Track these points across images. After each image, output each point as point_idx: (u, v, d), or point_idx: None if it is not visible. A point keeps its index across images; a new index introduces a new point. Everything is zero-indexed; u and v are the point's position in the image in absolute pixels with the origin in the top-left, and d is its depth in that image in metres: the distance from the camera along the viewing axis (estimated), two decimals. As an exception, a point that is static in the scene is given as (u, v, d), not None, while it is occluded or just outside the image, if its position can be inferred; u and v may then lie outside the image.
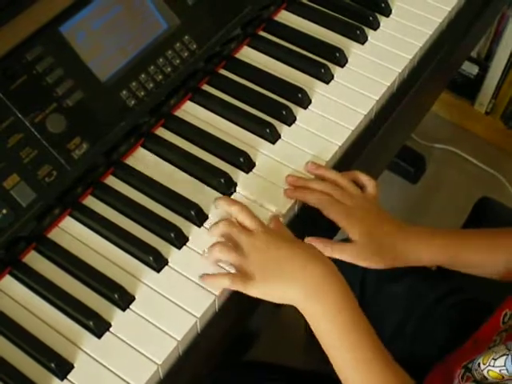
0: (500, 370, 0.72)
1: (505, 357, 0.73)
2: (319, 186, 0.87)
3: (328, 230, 0.88)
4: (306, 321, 0.78)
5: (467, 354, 0.81)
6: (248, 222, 0.80)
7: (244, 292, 0.76)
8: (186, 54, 0.94)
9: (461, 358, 0.82)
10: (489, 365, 0.74)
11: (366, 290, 1.09)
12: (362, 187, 0.89)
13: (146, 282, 0.79)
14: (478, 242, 0.91)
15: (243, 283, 0.76)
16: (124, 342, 0.75)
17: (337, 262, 1.12)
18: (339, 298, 0.76)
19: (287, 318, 1.17)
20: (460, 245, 0.90)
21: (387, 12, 1.09)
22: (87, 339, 0.75)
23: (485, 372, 0.74)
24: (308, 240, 0.84)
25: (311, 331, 0.77)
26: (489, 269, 0.91)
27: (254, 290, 0.76)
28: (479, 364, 0.76)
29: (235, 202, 0.83)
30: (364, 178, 0.90)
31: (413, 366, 0.97)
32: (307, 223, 0.88)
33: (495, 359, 0.74)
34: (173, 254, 0.82)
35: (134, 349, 0.74)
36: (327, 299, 0.76)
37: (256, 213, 0.83)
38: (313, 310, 0.76)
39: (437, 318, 1.04)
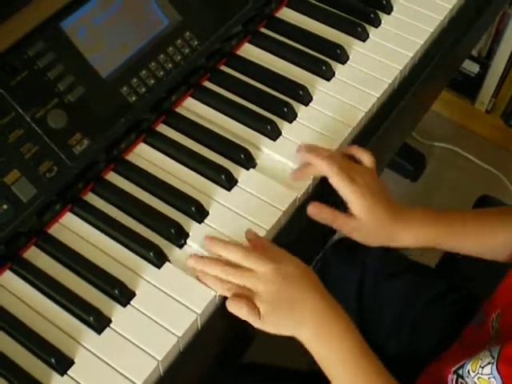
0: (489, 378, 0.73)
1: (490, 365, 0.73)
2: (331, 154, 0.87)
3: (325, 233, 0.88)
4: None
5: (456, 357, 0.82)
6: (256, 263, 0.78)
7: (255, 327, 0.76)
8: (187, 51, 0.94)
9: (450, 361, 0.82)
10: (478, 372, 0.75)
11: (365, 286, 1.09)
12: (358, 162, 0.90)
13: (146, 278, 0.79)
14: (477, 228, 0.91)
15: (256, 320, 0.75)
16: (124, 337, 0.75)
17: (337, 260, 1.13)
18: (341, 335, 0.77)
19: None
20: (460, 232, 0.90)
21: (388, 9, 1.09)
22: (87, 335, 0.75)
23: (475, 379, 0.75)
24: (314, 205, 0.84)
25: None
26: (489, 253, 0.91)
27: (266, 327, 0.76)
28: (469, 371, 0.77)
29: (230, 245, 0.80)
30: (359, 153, 0.90)
31: (410, 363, 0.97)
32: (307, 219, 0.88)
33: (482, 367, 0.74)
34: (174, 250, 0.82)
35: (135, 345, 0.74)
36: (329, 337, 0.77)
37: (255, 208, 0.83)
38: (317, 347, 0.77)
39: (435, 315, 1.04)
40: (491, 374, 0.72)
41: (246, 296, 0.76)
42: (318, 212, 0.86)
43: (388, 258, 1.12)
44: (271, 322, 0.76)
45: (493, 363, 0.72)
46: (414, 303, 1.06)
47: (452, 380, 0.81)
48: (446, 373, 0.82)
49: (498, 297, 0.85)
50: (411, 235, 0.88)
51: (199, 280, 0.79)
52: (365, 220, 0.85)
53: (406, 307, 1.06)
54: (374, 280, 1.09)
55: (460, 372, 0.79)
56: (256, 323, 0.76)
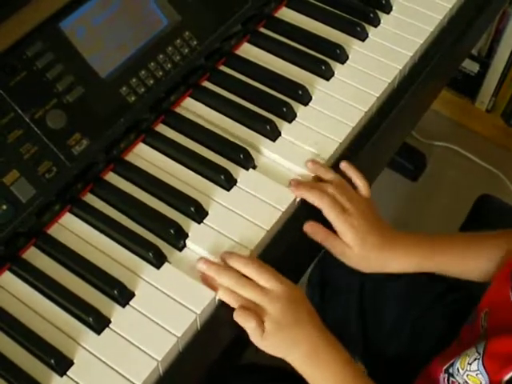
0: (476, 374, 0.74)
1: (476, 361, 0.73)
2: (322, 186, 0.88)
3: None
4: None
5: (452, 356, 0.82)
6: (258, 277, 0.78)
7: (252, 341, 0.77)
8: (186, 51, 0.94)
9: (446, 360, 0.82)
10: (466, 369, 0.75)
11: (366, 287, 1.09)
12: (354, 188, 0.90)
13: (145, 279, 0.79)
14: (463, 251, 0.92)
15: (258, 336, 0.76)
16: (124, 338, 0.75)
17: (338, 261, 1.13)
18: (333, 360, 0.79)
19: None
20: (448, 254, 0.92)
21: (388, 9, 1.09)
22: (87, 335, 0.75)
23: (465, 377, 0.75)
24: (310, 225, 0.85)
25: None
26: (473, 274, 0.93)
27: (262, 345, 0.77)
28: (458, 369, 0.77)
29: (242, 258, 0.80)
30: (357, 180, 0.90)
31: (410, 363, 0.97)
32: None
33: (470, 363, 0.75)
34: (173, 251, 0.82)
35: (134, 345, 0.74)
36: (321, 362, 0.79)
37: (254, 208, 0.83)
38: (309, 372, 0.79)
39: (435, 316, 1.04)
40: (478, 370, 0.73)
41: (255, 310, 0.76)
42: (313, 232, 0.86)
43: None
44: (271, 341, 0.77)
45: (479, 359, 0.73)
46: (414, 303, 1.06)
47: (444, 379, 0.81)
48: (438, 372, 0.83)
49: (487, 296, 0.86)
50: (398, 263, 0.90)
51: (204, 282, 0.79)
52: (355, 249, 0.86)
53: (406, 307, 1.06)
54: (375, 280, 1.09)
55: (450, 370, 0.79)
56: (256, 339, 0.76)
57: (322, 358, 0.78)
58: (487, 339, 0.75)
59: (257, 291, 0.77)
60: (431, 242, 0.92)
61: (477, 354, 0.74)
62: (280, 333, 0.77)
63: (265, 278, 0.77)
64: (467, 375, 0.75)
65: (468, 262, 0.92)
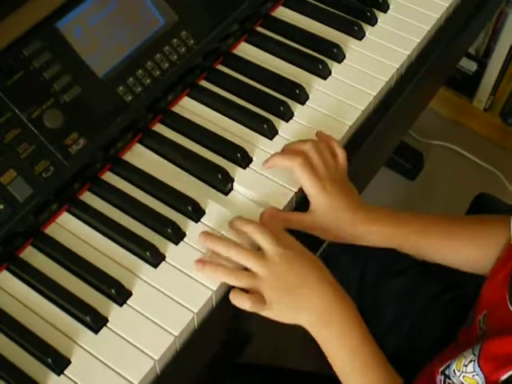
0: (473, 376, 0.73)
1: (472, 363, 0.73)
2: (300, 146, 0.87)
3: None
4: None
5: (449, 357, 0.82)
6: (262, 242, 0.78)
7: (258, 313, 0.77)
8: (183, 50, 0.94)
9: (444, 362, 0.82)
10: (462, 371, 0.75)
11: (365, 283, 1.09)
12: (333, 155, 0.89)
13: (143, 278, 0.79)
14: (437, 229, 0.90)
15: (261, 308, 0.76)
16: (121, 337, 0.75)
17: (336, 257, 1.13)
18: (347, 323, 0.78)
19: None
20: (419, 232, 0.89)
21: (385, 8, 1.09)
22: (84, 334, 0.75)
23: (461, 378, 0.75)
24: (266, 213, 0.83)
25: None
26: (450, 258, 0.91)
27: (269, 314, 0.77)
28: (454, 371, 0.77)
29: (249, 222, 0.80)
30: (337, 147, 0.89)
31: (409, 362, 0.97)
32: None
33: (466, 365, 0.75)
34: (170, 250, 0.82)
35: (132, 344, 0.74)
36: (336, 325, 0.77)
37: (254, 207, 0.83)
38: (322, 335, 0.78)
39: (434, 314, 1.04)
40: (474, 371, 0.73)
41: (251, 286, 0.76)
42: (271, 221, 0.84)
43: (388, 256, 1.12)
44: (277, 308, 0.76)
45: (474, 360, 0.73)
46: (413, 302, 1.06)
47: (440, 381, 0.81)
48: (435, 373, 0.83)
49: (483, 298, 0.85)
50: (372, 234, 0.87)
51: (200, 268, 0.78)
52: (321, 214, 0.84)
53: (405, 305, 1.06)
54: (375, 278, 1.09)
55: (447, 372, 0.79)
56: (263, 312, 0.76)
57: (335, 323, 0.77)
58: (484, 340, 0.75)
59: (251, 256, 0.76)
60: (408, 216, 0.90)
61: (472, 356, 0.74)
62: (284, 298, 0.76)
63: (263, 240, 0.77)
64: (463, 377, 0.75)
65: (445, 245, 0.90)
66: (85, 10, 0.86)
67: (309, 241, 0.84)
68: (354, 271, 1.10)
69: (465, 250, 0.90)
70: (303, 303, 0.77)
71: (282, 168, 0.87)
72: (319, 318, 0.77)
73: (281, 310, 0.77)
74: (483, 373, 0.72)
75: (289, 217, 0.85)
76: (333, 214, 0.84)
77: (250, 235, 0.79)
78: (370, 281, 1.09)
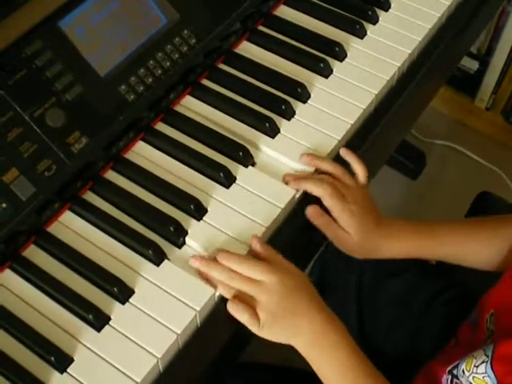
0: (483, 377, 0.73)
1: (484, 364, 0.73)
2: (319, 177, 0.88)
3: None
4: None
5: (451, 356, 0.82)
6: (253, 273, 0.78)
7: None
8: (185, 49, 0.94)
9: (445, 361, 0.82)
10: (472, 372, 0.75)
11: (364, 285, 1.09)
12: (352, 174, 0.91)
13: (145, 276, 0.79)
14: (463, 237, 0.93)
15: (255, 327, 0.77)
16: (124, 335, 0.75)
17: (333, 259, 1.13)
18: (337, 345, 0.79)
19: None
20: (447, 239, 0.93)
21: (386, 6, 1.09)
22: (87, 333, 0.75)
23: (470, 379, 0.75)
24: (314, 208, 0.86)
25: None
26: (470, 260, 0.94)
27: (261, 334, 0.77)
28: (463, 371, 0.77)
29: (243, 256, 0.81)
30: (356, 165, 0.91)
31: (409, 362, 0.97)
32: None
33: (477, 366, 0.75)
34: (172, 248, 0.82)
35: (134, 342, 0.74)
36: (326, 347, 0.79)
37: (253, 206, 0.83)
38: (313, 356, 0.79)
39: (434, 314, 1.04)
40: (486, 372, 0.73)
41: (248, 301, 0.77)
42: (316, 216, 0.87)
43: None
44: (270, 331, 0.77)
45: (487, 362, 0.73)
46: (413, 301, 1.06)
47: (447, 380, 0.81)
48: (440, 373, 0.83)
49: (491, 297, 0.85)
50: (393, 248, 0.91)
51: (201, 277, 0.79)
52: (354, 236, 0.87)
53: (405, 305, 1.06)
54: (374, 278, 1.09)
55: (454, 372, 0.79)
56: (255, 330, 0.77)
57: (326, 345, 0.78)
58: (496, 342, 0.75)
59: (248, 284, 0.77)
60: (429, 227, 0.93)
61: (485, 357, 0.74)
62: (277, 323, 0.77)
63: (258, 271, 0.77)
64: (473, 377, 0.75)
65: (468, 248, 0.92)
66: (87, 9, 0.87)
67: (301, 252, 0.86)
68: (352, 273, 1.10)
69: (486, 251, 0.92)
70: (295, 328, 0.78)
71: (310, 192, 0.88)
72: (310, 341, 0.78)
73: (274, 331, 0.78)
74: (495, 375, 0.72)
75: (330, 224, 0.87)
76: (363, 236, 0.88)
77: (250, 270, 0.78)
78: (368, 282, 1.09)
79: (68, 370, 0.73)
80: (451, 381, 0.80)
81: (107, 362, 0.73)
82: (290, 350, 0.79)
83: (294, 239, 0.87)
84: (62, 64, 0.83)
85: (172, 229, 0.82)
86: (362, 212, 0.88)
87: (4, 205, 0.77)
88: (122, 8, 0.89)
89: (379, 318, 1.07)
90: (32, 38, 0.82)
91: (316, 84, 0.99)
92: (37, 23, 0.83)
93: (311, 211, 0.87)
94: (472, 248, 0.92)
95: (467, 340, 0.88)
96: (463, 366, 0.77)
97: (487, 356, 0.74)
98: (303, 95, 0.97)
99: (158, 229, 0.83)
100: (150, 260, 0.80)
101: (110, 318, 0.76)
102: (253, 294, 0.77)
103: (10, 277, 0.80)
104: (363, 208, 0.88)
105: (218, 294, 0.79)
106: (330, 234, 0.88)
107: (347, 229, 0.87)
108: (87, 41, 0.86)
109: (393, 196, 1.89)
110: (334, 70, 1.00)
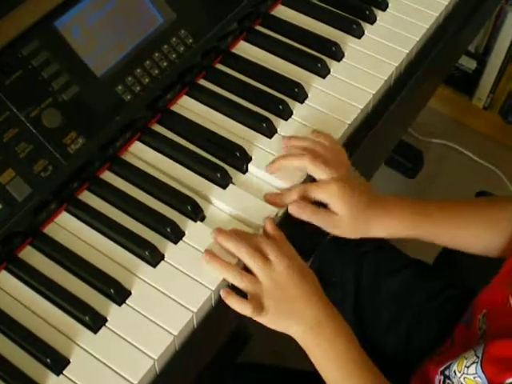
0: (474, 378, 0.73)
1: (475, 364, 0.73)
2: (300, 142, 0.89)
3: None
4: None
5: (446, 357, 0.82)
6: (269, 254, 0.79)
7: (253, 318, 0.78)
8: (182, 49, 0.93)
9: (440, 361, 0.82)
10: (463, 372, 0.75)
11: (362, 283, 1.09)
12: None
13: (142, 277, 0.79)
14: (449, 219, 0.91)
15: (259, 315, 0.77)
16: (120, 336, 0.75)
17: (331, 258, 1.13)
18: (336, 335, 0.79)
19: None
20: (434, 222, 0.90)
21: (384, 6, 1.09)
22: (83, 334, 0.75)
23: (461, 379, 0.75)
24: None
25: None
26: (462, 245, 0.92)
27: (263, 320, 0.78)
28: (455, 371, 0.77)
29: (253, 235, 0.82)
30: (334, 143, 0.90)
31: (407, 360, 0.97)
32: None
33: (467, 366, 0.75)
34: (169, 249, 0.82)
35: (131, 344, 0.74)
36: (324, 337, 0.79)
37: (253, 206, 0.83)
38: (312, 345, 0.79)
39: (432, 313, 1.04)
40: (476, 373, 0.73)
41: (252, 290, 0.77)
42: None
43: (385, 254, 1.12)
44: (270, 317, 0.77)
45: (477, 362, 0.73)
46: (411, 300, 1.06)
47: (439, 381, 0.81)
48: (434, 373, 0.83)
49: (484, 297, 0.85)
50: (385, 226, 0.88)
51: (207, 260, 0.79)
52: (343, 211, 0.85)
53: (403, 304, 1.06)
54: (372, 277, 1.09)
55: (446, 373, 0.79)
56: (256, 317, 0.77)
57: (324, 333, 0.78)
58: (486, 342, 0.75)
59: (261, 263, 0.77)
60: (424, 206, 0.90)
61: (475, 358, 0.74)
62: (281, 308, 0.77)
63: (273, 250, 0.78)
64: (464, 378, 0.75)
65: (461, 228, 0.90)
66: (83, 9, 0.86)
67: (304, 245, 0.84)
68: (350, 272, 1.10)
69: (485, 235, 0.90)
70: (297, 315, 0.78)
71: (291, 168, 0.87)
72: (310, 330, 0.78)
73: (275, 319, 0.78)
74: (485, 375, 0.72)
75: (315, 211, 0.85)
76: (353, 216, 0.85)
77: (257, 245, 0.79)
78: (366, 281, 1.09)
79: (64, 371, 0.73)
80: (443, 381, 0.80)
81: (104, 363, 0.73)
82: (290, 351, 0.80)
83: (293, 240, 0.86)
84: (58, 64, 0.83)
85: (169, 230, 0.82)
86: (345, 184, 0.85)
87: (0, 206, 0.77)
88: (118, 8, 0.89)
89: (378, 318, 1.07)
90: (28, 39, 0.82)
91: (313, 84, 0.99)
92: (33, 23, 0.82)
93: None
94: (471, 231, 0.90)
95: (462, 340, 0.88)
96: (455, 367, 0.77)
97: (477, 357, 0.74)
98: (300, 95, 0.96)
99: (154, 230, 0.83)
100: (147, 261, 0.80)
101: (106, 320, 0.76)
102: (261, 275, 0.77)
103: (5, 278, 0.80)
104: (348, 182, 0.85)
105: (214, 295, 0.78)
106: (320, 221, 0.85)
107: (332, 203, 0.84)
108: (83, 41, 0.86)
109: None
110: (332, 69, 1.00)
